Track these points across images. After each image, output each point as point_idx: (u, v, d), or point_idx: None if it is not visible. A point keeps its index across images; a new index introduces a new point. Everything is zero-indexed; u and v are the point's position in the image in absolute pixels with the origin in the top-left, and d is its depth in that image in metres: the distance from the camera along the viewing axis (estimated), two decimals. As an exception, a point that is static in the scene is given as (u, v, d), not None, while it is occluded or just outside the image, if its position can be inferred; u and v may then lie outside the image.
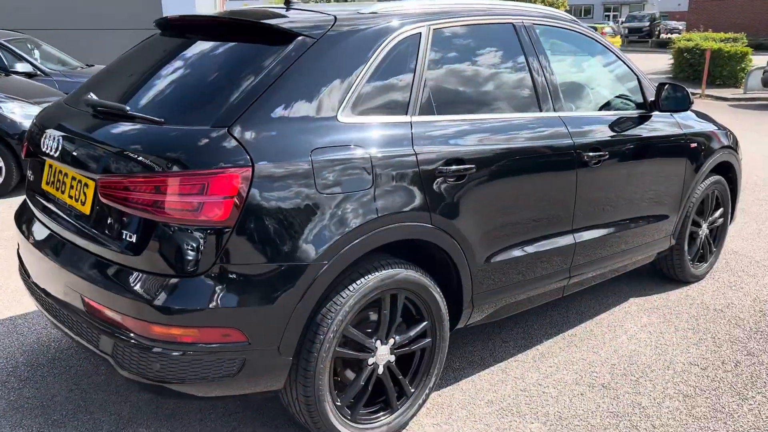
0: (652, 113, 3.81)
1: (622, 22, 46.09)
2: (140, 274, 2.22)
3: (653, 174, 3.79)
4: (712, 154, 4.16)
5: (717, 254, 4.65)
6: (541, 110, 3.19)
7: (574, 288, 3.59)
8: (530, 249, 3.12)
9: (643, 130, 3.70)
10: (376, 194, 2.43)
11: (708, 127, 4.23)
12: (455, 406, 2.99)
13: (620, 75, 3.90)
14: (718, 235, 4.64)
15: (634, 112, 3.76)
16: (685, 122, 4.02)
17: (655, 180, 3.81)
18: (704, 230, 4.44)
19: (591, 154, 3.29)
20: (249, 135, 2.22)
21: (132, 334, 2.21)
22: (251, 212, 2.18)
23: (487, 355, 3.46)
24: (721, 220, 4.58)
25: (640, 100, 3.85)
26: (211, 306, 2.17)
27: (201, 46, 2.71)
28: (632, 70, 3.84)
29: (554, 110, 3.24)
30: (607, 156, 3.38)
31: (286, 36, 2.50)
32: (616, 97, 3.89)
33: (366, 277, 2.48)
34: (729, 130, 4.49)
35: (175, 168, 2.14)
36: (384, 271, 2.53)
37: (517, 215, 3.02)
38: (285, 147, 2.27)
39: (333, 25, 2.58)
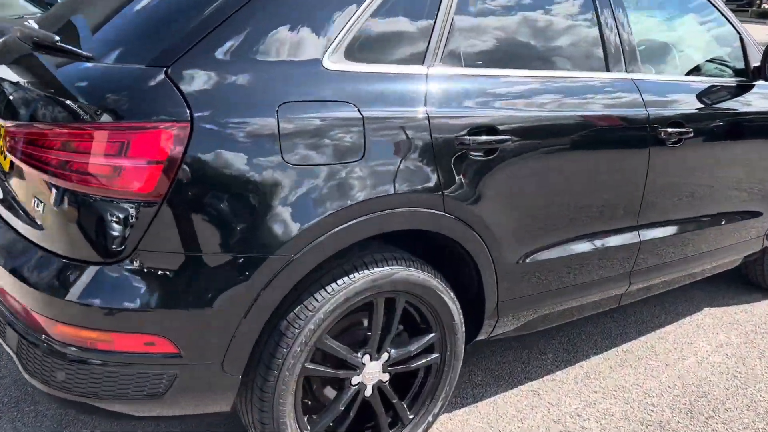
0: (755, 83, 3.01)
1: (720, -9, 42.77)
2: (46, 256, 1.70)
3: (748, 160, 3.01)
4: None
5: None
6: (609, 71, 2.48)
7: (636, 296, 2.90)
8: (579, 248, 2.45)
9: (741, 104, 2.92)
10: (367, 169, 1.82)
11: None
12: (467, 436, 2.40)
13: (718, 34, 3.09)
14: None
15: (731, 80, 2.97)
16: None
17: (749, 168, 3.03)
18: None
19: (670, 130, 2.57)
20: (192, 79, 1.64)
21: (32, 331, 1.71)
22: (187, 184, 1.61)
23: (519, 369, 2.83)
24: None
25: (741, 65, 3.05)
26: (129, 305, 1.63)
27: None
28: (735, 28, 3.03)
29: (626, 72, 2.52)
30: (691, 134, 2.64)
31: None
32: (710, 60, 3.10)
33: (351, 276, 1.90)
34: None
35: (86, 117, 1.59)
36: (377, 269, 1.94)
37: (565, 204, 2.35)
38: (242, 98, 1.68)
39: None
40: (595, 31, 2.44)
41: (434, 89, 1.98)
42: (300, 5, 1.82)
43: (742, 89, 2.95)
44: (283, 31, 1.78)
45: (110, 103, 1.59)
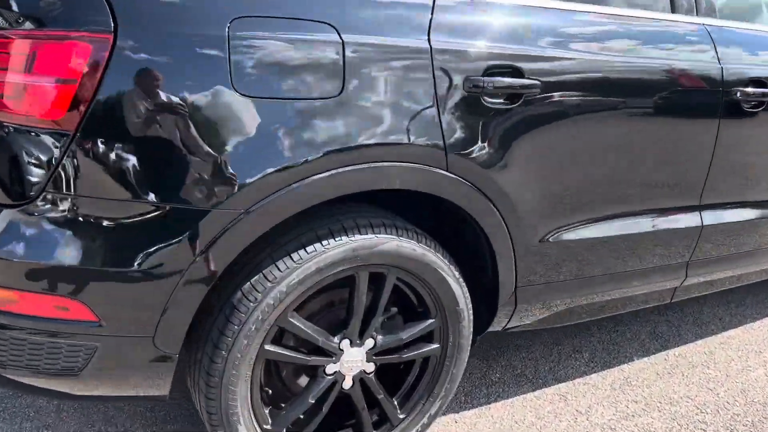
0: None
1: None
2: None
3: None
4: None
5: None
6: (674, 11, 2.01)
7: (694, 291, 2.43)
8: (622, 228, 2.01)
9: None
10: (344, 109, 1.45)
11: None
12: (473, 443, 2.02)
13: None
14: None
15: None
16: None
17: None
18: None
19: (750, 90, 2.08)
20: (126, -17, 1.30)
21: None
22: (108, 112, 1.28)
23: (546, 368, 2.42)
24: None
25: None
26: (33, 258, 1.33)
27: None
28: None
29: (697, 15, 2.04)
30: (776, 97, 2.14)
31: None
32: None
33: (326, 243, 1.54)
34: None
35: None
36: (359, 236, 1.58)
37: (606, 174, 1.91)
38: (183, 9, 1.34)
39: None
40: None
41: (442, 15, 1.58)
42: None
43: None
44: None
45: (10, 4, 1.28)
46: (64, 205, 1.32)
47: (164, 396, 1.54)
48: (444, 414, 2.12)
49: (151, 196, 1.34)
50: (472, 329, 1.87)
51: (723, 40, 2.05)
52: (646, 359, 2.53)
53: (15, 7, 1.32)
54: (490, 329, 1.99)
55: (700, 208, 2.17)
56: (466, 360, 1.90)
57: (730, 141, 2.11)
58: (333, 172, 1.45)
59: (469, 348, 1.88)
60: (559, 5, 1.79)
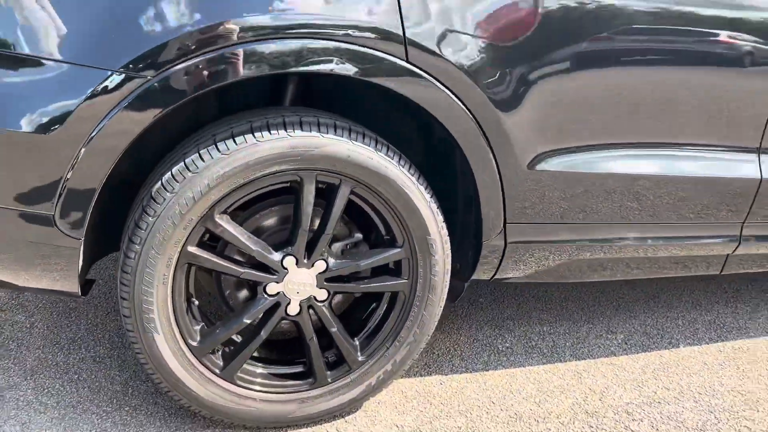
0: None
1: None
2: None
3: None
4: None
5: None
6: None
7: (755, 264, 2.01)
8: (652, 166, 1.68)
9: None
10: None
11: None
12: (463, 405, 1.75)
13: None
14: None
15: None
16: None
17: None
18: None
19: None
20: None
21: None
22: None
23: (568, 343, 2.09)
24: None
25: None
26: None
27: None
28: None
29: None
30: None
31: None
32: None
33: (258, 135, 1.36)
34: None
35: None
36: (300, 132, 1.38)
37: (622, 90, 1.59)
38: None
39: None
40: None
41: None
42: None
43: None
44: None
45: None
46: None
47: (76, 292, 1.41)
48: (428, 374, 1.87)
49: (38, 47, 1.22)
50: (449, 267, 1.61)
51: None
52: (695, 347, 2.13)
53: None
54: (475, 276, 1.71)
55: (760, 152, 1.78)
56: (441, 303, 1.64)
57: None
58: (251, 46, 1.28)
59: (444, 289, 1.62)
60: None
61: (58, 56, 1.23)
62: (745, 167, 1.78)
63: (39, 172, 1.27)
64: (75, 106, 1.23)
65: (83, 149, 1.26)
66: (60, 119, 1.23)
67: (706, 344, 2.15)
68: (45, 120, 1.23)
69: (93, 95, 1.23)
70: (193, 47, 1.25)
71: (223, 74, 1.29)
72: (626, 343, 2.12)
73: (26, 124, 1.23)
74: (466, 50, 1.42)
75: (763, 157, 1.79)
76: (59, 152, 1.25)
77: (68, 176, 1.27)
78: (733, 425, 1.75)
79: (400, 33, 1.36)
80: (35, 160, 1.26)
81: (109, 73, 1.23)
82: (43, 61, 1.23)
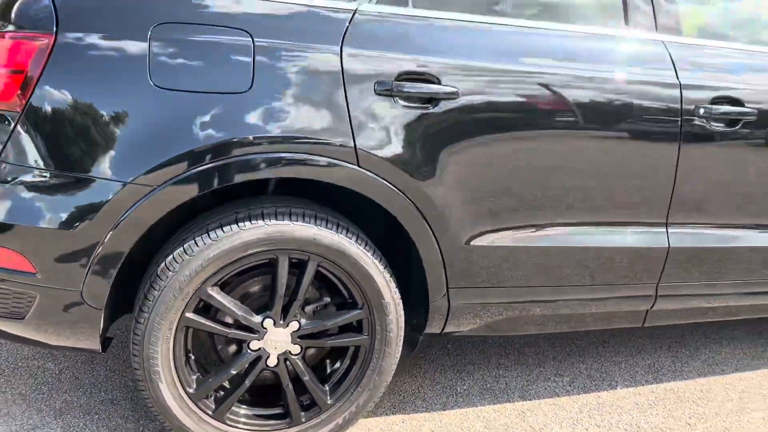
0: None
1: None
2: None
3: None
4: None
5: None
6: (628, 25, 2.03)
7: (671, 318, 2.33)
8: (564, 240, 2.02)
9: None
10: (253, 102, 1.66)
11: None
12: (409, 442, 2.08)
13: None
14: None
15: None
16: None
17: None
18: None
19: (716, 110, 2.03)
20: (72, -6, 1.62)
21: None
22: (47, 98, 1.58)
23: (519, 385, 2.41)
24: None
25: None
26: (-13, 216, 1.64)
27: None
28: None
29: (657, 30, 2.05)
30: (755, 114, 2.07)
31: None
32: None
33: (242, 225, 1.73)
34: None
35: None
36: (274, 221, 1.75)
37: (539, 183, 1.95)
38: (114, 15, 1.62)
39: None
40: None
41: (362, 27, 1.76)
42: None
43: None
44: None
45: None
46: (11, 172, 1.62)
47: (97, 349, 1.78)
48: (393, 413, 2.20)
49: (80, 169, 1.61)
50: (402, 325, 1.96)
51: (683, 55, 2.03)
52: (631, 389, 2.43)
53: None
54: (427, 330, 2.05)
55: (666, 226, 2.11)
56: (396, 355, 1.98)
57: (696, 157, 2.05)
58: (242, 159, 1.65)
59: (397, 342, 1.96)
60: (484, 19, 1.90)
61: (93, 172, 1.61)
62: (656, 238, 2.12)
63: (74, 261, 1.64)
64: (108, 208, 1.61)
65: (104, 243, 1.63)
66: (94, 223, 1.61)
67: (642, 386, 2.46)
68: (75, 223, 1.61)
69: (118, 202, 1.61)
70: (182, 167, 1.62)
71: (212, 184, 1.66)
72: (570, 385, 2.43)
73: (65, 225, 1.61)
74: (405, 155, 1.78)
75: (670, 229, 2.12)
76: (88, 246, 1.63)
77: (92, 263, 1.64)
78: (650, 458, 2.05)
79: (351, 145, 1.73)
80: (68, 252, 1.63)
81: (123, 183, 1.61)
82: (82, 173, 1.61)
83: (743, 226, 2.23)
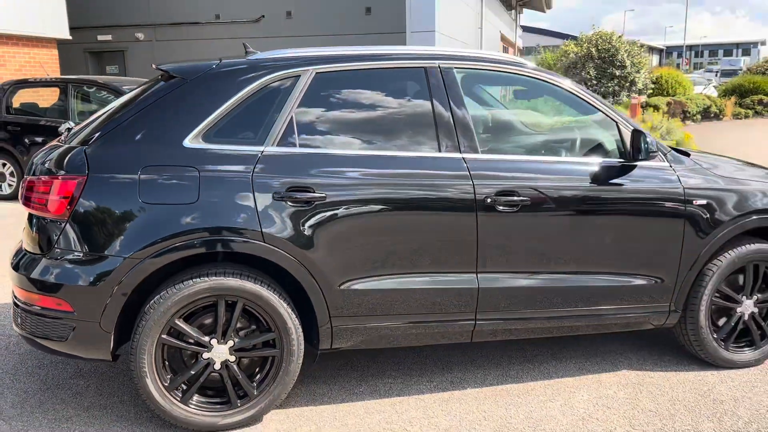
0: (634, 163, 3.43)
1: None
2: (23, 251, 3.02)
3: (609, 230, 3.41)
4: (735, 219, 3.52)
5: (779, 342, 3.80)
6: (440, 151, 3.22)
7: (493, 335, 3.40)
8: (402, 284, 3.15)
9: (589, 180, 3.35)
10: (199, 208, 2.87)
11: (737, 184, 3.59)
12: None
13: (590, 121, 3.63)
14: (780, 318, 3.80)
15: (579, 159, 3.50)
16: (693, 175, 3.51)
17: (611, 237, 3.41)
18: (748, 308, 3.71)
19: (503, 198, 3.19)
20: (97, 151, 2.88)
21: (13, 296, 3.02)
22: (81, 210, 2.82)
23: (395, 384, 3.49)
24: (782, 300, 3.76)
25: (610, 147, 3.53)
26: (48, 278, 2.85)
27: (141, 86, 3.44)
28: (607, 115, 3.52)
29: (460, 152, 3.23)
30: (528, 201, 3.22)
31: (170, 77, 3.11)
32: (579, 141, 3.64)
33: (195, 280, 2.91)
34: None
35: (43, 176, 2.91)
36: (214, 278, 2.93)
37: (382, 248, 3.11)
38: (120, 163, 2.87)
39: (211, 68, 3.11)
40: (429, 119, 3.23)
41: (266, 162, 2.98)
42: (178, 109, 2.98)
43: (595, 166, 3.39)
44: (162, 125, 2.95)
45: (53, 165, 2.90)
46: (61, 254, 2.84)
47: (109, 359, 2.94)
48: (282, 396, 3.29)
49: (100, 250, 2.83)
50: (302, 342, 3.09)
51: (478, 166, 3.21)
52: (478, 389, 3.49)
53: (46, 165, 2.92)
54: (321, 347, 3.17)
55: (476, 273, 3.23)
56: (298, 363, 3.10)
57: (491, 231, 3.19)
58: (193, 239, 2.85)
59: (298, 354, 3.09)
60: (347, 152, 3.11)
61: (107, 252, 2.82)
62: (470, 280, 3.24)
63: (96, 305, 2.83)
64: (114, 273, 2.81)
65: (112, 293, 2.82)
66: (105, 281, 2.81)
67: (486, 387, 3.52)
68: (102, 280, 2.81)
69: (120, 269, 2.81)
70: (158, 247, 2.82)
71: (175, 256, 2.85)
72: (437, 387, 3.50)
73: (91, 283, 2.81)
74: (294, 234, 2.95)
75: (479, 275, 3.24)
76: (103, 295, 2.82)
77: (106, 305, 2.83)
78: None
79: (259, 230, 2.92)
80: (92, 299, 2.82)
81: (123, 258, 2.81)
82: (97, 254, 2.82)
83: (534, 273, 3.34)
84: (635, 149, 3.37)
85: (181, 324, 2.96)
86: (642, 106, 19.78)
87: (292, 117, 3.07)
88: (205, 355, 3.00)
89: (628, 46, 19.15)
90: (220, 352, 3.01)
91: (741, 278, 3.71)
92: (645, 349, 4.00)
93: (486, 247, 3.22)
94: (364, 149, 3.17)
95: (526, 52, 43.01)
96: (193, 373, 3.01)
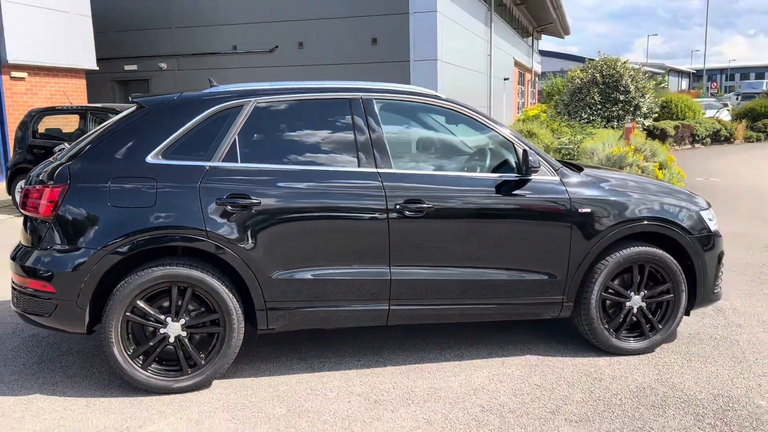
0: (528, 177, 4.08)
1: None
2: (20, 245, 3.80)
3: (505, 232, 4.06)
4: (616, 225, 4.14)
5: (665, 332, 4.36)
6: (359, 166, 3.92)
7: (407, 319, 4.04)
8: (326, 274, 3.83)
9: (487, 190, 4.02)
10: (156, 210, 3.60)
11: (614, 196, 4.20)
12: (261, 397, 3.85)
13: (489, 142, 4.31)
14: (667, 312, 4.38)
15: (481, 173, 4.21)
16: (581, 187, 4.14)
17: (508, 238, 4.05)
18: (636, 303, 4.29)
19: (411, 205, 3.86)
20: (78, 166, 3.65)
21: (12, 281, 3.79)
22: (63, 212, 3.59)
23: (327, 359, 4.15)
24: (669, 296, 4.34)
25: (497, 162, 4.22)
26: (37, 266, 3.61)
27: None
28: (505, 137, 4.19)
29: (376, 167, 3.92)
30: (432, 207, 3.89)
31: (140, 106, 3.88)
32: (479, 159, 4.34)
33: (152, 270, 3.64)
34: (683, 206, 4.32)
35: (37, 185, 3.69)
36: (168, 267, 3.66)
37: (308, 245, 3.80)
38: (95, 175, 3.63)
39: (173, 100, 3.88)
40: (351, 141, 3.93)
41: (212, 174, 3.71)
42: (144, 132, 3.75)
43: (479, 179, 4.09)
44: (131, 145, 3.71)
45: (47, 176, 3.67)
46: (47, 247, 3.60)
47: (84, 332, 3.68)
48: (225, 367, 3.98)
49: (77, 244, 3.58)
50: (242, 322, 3.78)
51: (388, 178, 3.89)
52: (397, 366, 4.13)
53: (42, 176, 3.69)
54: (260, 327, 3.86)
55: (389, 267, 3.90)
56: (239, 339, 3.79)
57: (401, 232, 3.87)
58: (152, 236, 3.58)
59: (239, 332, 3.78)
60: (278, 167, 3.82)
61: (82, 245, 3.57)
62: (383, 272, 3.90)
63: (74, 286, 3.58)
64: (87, 261, 3.55)
65: (86, 278, 3.56)
66: (80, 268, 3.56)
67: (405, 365, 4.15)
68: (78, 267, 3.56)
69: (92, 259, 3.55)
70: (123, 241, 3.56)
71: (136, 250, 3.59)
72: (363, 365, 4.14)
73: (70, 269, 3.56)
74: (234, 233, 3.66)
75: (392, 268, 3.91)
76: (79, 279, 3.56)
77: (81, 287, 3.57)
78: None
79: (204, 229, 3.64)
80: (71, 282, 3.57)
81: (95, 250, 3.56)
82: (75, 246, 3.57)
83: (440, 267, 3.99)
84: (526, 165, 4.03)
85: (142, 304, 3.68)
86: (650, 130, 20.25)
87: (235, 138, 3.81)
88: (162, 330, 3.71)
89: (632, 71, 19.65)
90: (174, 328, 3.72)
91: (629, 276, 4.31)
92: (554, 339, 4.59)
93: (396, 245, 3.89)
94: (295, 165, 3.88)
95: (541, 77, 43.66)
96: (151, 344, 3.72)
